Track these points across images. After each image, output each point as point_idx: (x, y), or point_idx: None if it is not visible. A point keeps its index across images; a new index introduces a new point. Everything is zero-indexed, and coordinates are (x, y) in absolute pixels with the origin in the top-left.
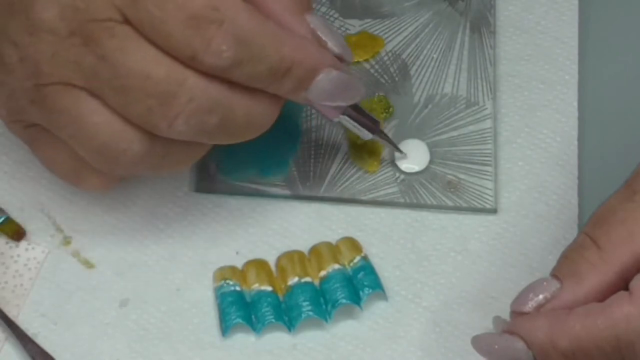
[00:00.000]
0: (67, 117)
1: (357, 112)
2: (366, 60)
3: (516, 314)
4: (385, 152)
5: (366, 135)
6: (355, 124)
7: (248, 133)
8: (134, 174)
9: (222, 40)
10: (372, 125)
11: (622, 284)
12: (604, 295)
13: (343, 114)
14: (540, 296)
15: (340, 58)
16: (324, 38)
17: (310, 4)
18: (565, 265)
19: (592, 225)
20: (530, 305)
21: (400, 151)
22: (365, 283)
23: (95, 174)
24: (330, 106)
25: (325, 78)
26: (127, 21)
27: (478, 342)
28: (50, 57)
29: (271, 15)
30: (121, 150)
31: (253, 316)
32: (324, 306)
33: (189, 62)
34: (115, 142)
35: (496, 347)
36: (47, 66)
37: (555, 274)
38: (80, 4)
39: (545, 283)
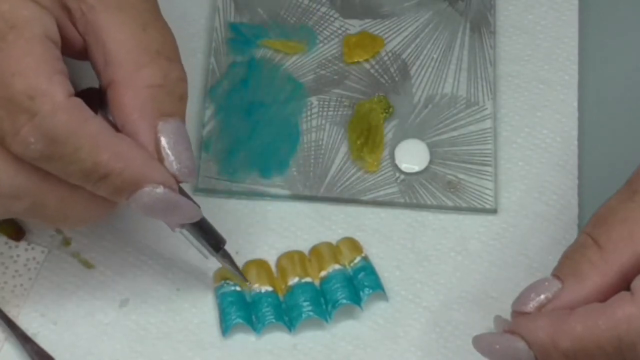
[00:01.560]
0: None
1: (199, 229)
2: (366, 60)
3: (517, 313)
4: (385, 152)
5: (207, 254)
6: (195, 241)
7: (70, 223)
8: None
9: (30, 132)
10: (215, 247)
11: (624, 284)
12: (605, 295)
13: (182, 227)
14: (542, 296)
15: (175, 177)
16: (167, 152)
17: (178, 108)
18: (567, 265)
19: (593, 225)
20: (531, 305)
21: (244, 279)
22: (366, 283)
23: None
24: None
25: (148, 194)
26: None
27: (479, 342)
28: None
29: (122, 112)
30: None
31: (253, 316)
32: (324, 306)
33: (1, 143)
34: None
35: (497, 347)
36: None
37: (556, 274)
38: None
39: (546, 283)
